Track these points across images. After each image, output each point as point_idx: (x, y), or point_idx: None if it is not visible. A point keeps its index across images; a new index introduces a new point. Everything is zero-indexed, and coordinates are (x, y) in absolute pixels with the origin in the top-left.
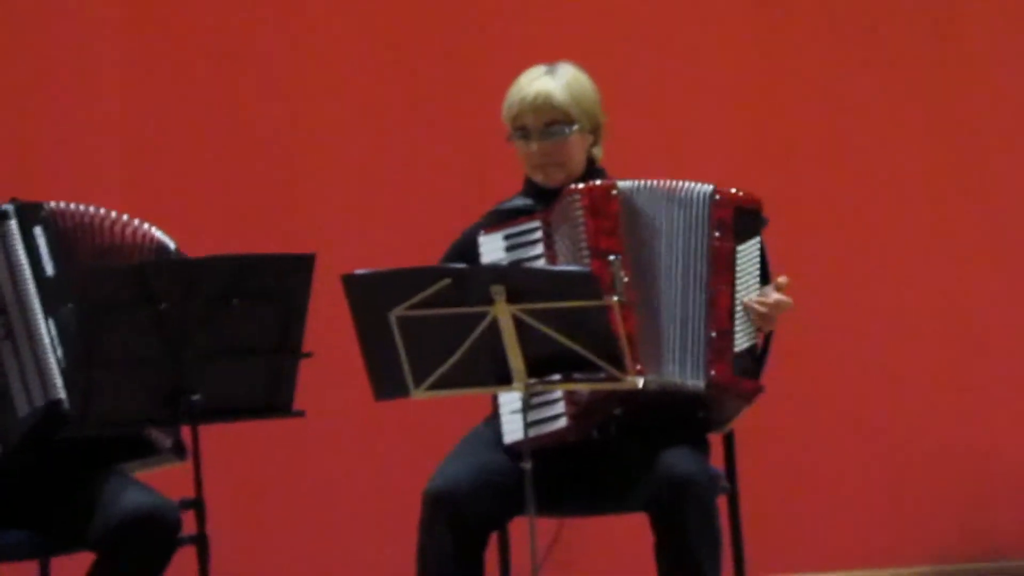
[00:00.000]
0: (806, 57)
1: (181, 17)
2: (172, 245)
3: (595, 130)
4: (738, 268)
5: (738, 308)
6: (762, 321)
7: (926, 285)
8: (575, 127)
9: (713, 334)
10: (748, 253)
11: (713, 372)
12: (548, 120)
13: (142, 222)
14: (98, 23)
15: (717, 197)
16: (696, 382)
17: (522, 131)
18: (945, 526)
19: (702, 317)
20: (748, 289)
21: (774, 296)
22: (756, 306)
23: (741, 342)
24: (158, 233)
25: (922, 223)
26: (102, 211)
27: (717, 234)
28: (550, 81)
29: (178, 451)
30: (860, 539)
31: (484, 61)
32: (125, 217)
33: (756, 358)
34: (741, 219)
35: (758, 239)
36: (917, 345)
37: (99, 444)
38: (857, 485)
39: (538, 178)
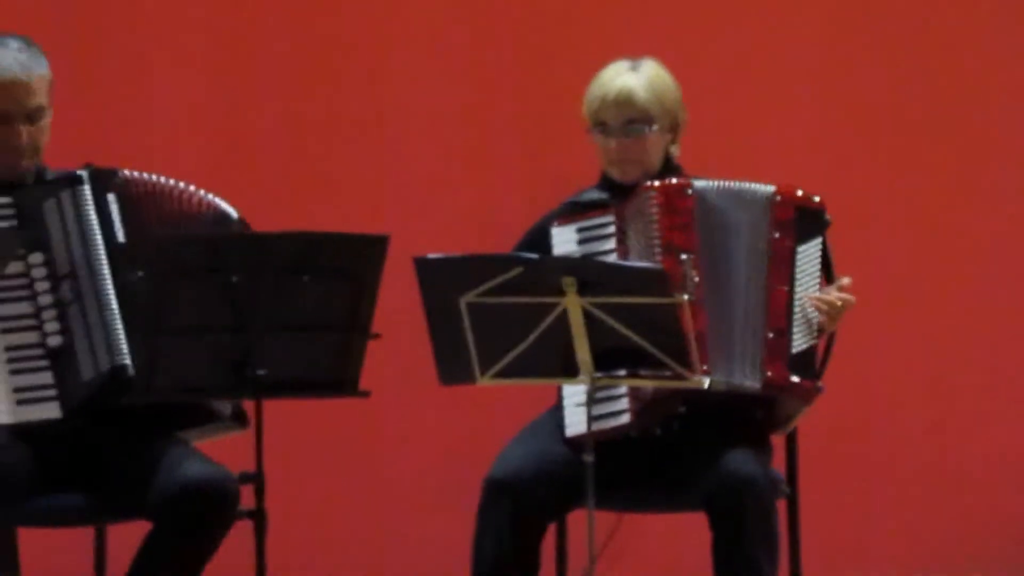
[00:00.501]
0: (874, 60)
1: None
2: (235, 215)
3: (674, 128)
4: (797, 269)
5: (796, 308)
6: (824, 321)
7: (988, 291)
8: (655, 126)
9: (770, 334)
10: (808, 254)
11: (769, 373)
12: (628, 118)
13: (207, 193)
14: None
15: (778, 198)
16: (752, 383)
17: (602, 127)
18: (1006, 536)
19: (760, 317)
20: (807, 290)
21: (835, 295)
22: (817, 305)
23: (799, 343)
24: (223, 204)
25: (989, 226)
26: (171, 181)
27: (777, 234)
28: (633, 78)
29: (239, 419)
30: (919, 547)
31: (564, 51)
32: (192, 187)
33: (814, 359)
34: (802, 220)
35: (820, 240)
36: (982, 349)
37: (160, 411)
38: (918, 492)
39: (615, 173)
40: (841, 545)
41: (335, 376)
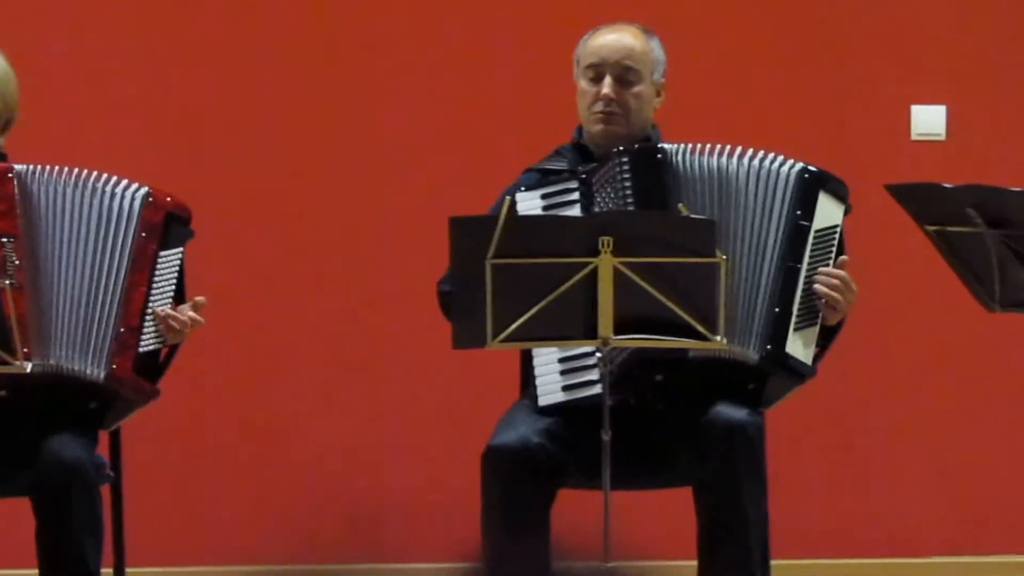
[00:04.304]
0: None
1: None
2: None
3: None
4: (157, 273)
5: (150, 310)
6: (170, 334)
7: (323, 286)
8: None
9: (122, 329)
10: (169, 261)
11: (115, 366)
12: None
13: None
14: None
15: (151, 199)
16: (97, 372)
17: None
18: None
19: (114, 311)
20: (163, 295)
21: (189, 314)
22: (167, 320)
23: (148, 343)
24: None
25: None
26: None
27: (144, 235)
28: None
29: None
30: (245, 535)
31: None
32: None
33: (158, 361)
34: (170, 226)
35: (181, 250)
36: (312, 345)
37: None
38: (247, 482)
39: None
40: (167, 532)
41: None
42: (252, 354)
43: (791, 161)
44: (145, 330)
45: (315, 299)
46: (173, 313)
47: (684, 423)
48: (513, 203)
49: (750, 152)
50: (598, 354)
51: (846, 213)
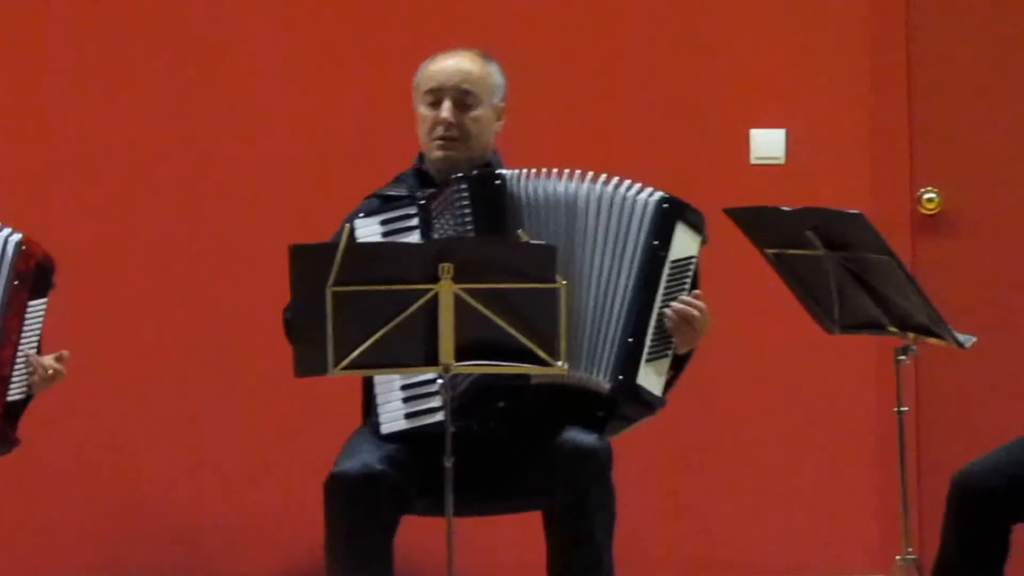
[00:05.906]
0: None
1: None
2: None
3: None
4: (26, 323)
5: (19, 359)
6: (39, 382)
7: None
8: None
9: None
10: (36, 310)
11: None
12: None
13: None
14: None
15: (24, 248)
16: None
17: None
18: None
19: None
20: (30, 345)
21: (55, 364)
22: (40, 368)
23: (14, 393)
24: None
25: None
26: None
27: (16, 282)
28: None
29: None
30: (100, 558)
31: None
32: None
33: (22, 410)
34: (39, 275)
35: (46, 300)
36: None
37: None
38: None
39: None
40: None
41: None
42: (94, 375)
43: (648, 189)
44: (14, 379)
45: (158, 323)
46: (46, 362)
47: (531, 449)
48: (353, 230)
49: (602, 177)
50: (439, 381)
51: (702, 244)
